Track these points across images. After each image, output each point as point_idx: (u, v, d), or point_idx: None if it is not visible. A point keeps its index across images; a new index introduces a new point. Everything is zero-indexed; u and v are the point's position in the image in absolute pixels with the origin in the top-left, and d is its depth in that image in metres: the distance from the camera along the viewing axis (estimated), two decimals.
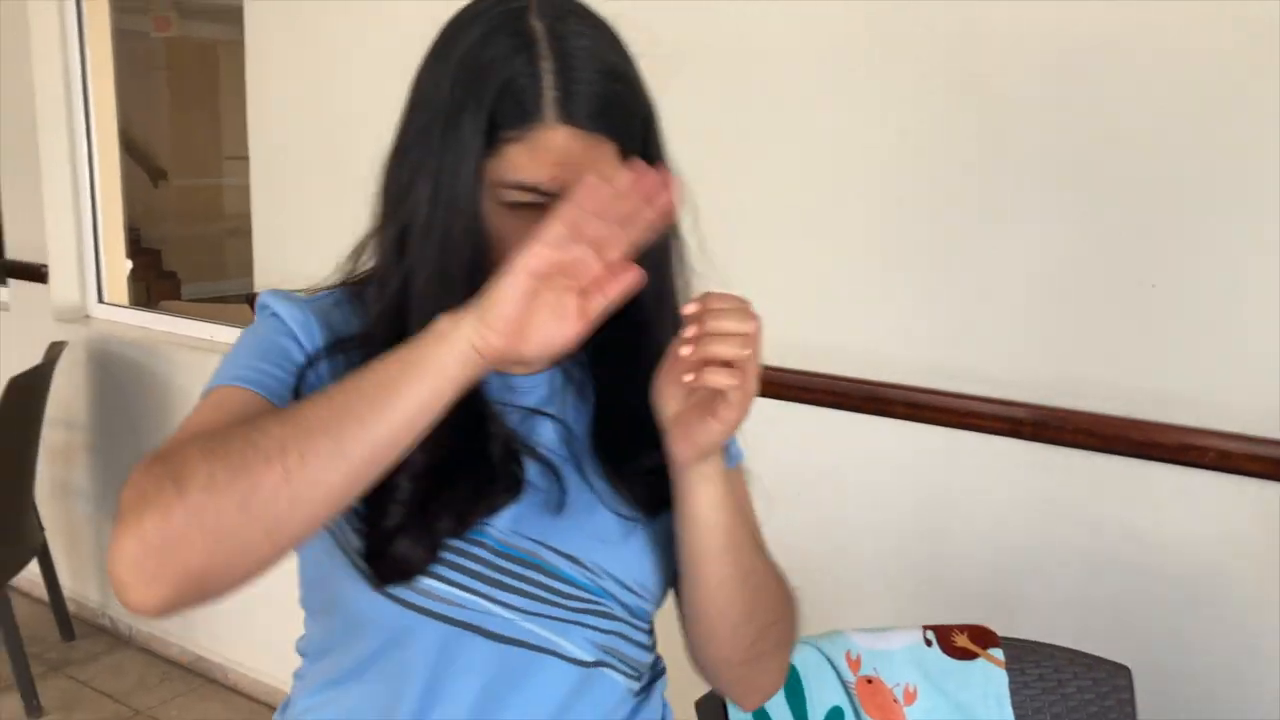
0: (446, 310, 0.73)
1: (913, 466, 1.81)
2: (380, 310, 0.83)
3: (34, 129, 3.23)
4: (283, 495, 0.67)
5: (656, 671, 0.98)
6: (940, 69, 1.69)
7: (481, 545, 0.83)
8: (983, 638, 1.38)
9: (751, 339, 0.75)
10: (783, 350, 1.89)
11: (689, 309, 0.75)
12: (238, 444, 0.68)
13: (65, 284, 3.33)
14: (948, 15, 1.67)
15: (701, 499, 0.82)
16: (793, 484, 1.94)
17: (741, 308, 0.75)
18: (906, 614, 1.78)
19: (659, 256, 0.84)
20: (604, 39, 0.79)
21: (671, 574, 0.90)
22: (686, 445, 0.80)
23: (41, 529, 3.15)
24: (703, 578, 0.86)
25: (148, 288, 5.88)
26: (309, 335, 0.85)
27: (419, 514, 0.80)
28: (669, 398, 0.80)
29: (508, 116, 0.75)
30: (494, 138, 0.76)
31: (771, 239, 1.89)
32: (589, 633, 0.86)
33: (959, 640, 1.39)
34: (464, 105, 0.77)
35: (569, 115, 0.75)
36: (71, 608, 3.34)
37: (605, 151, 0.76)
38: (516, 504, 0.84)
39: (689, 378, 0.75)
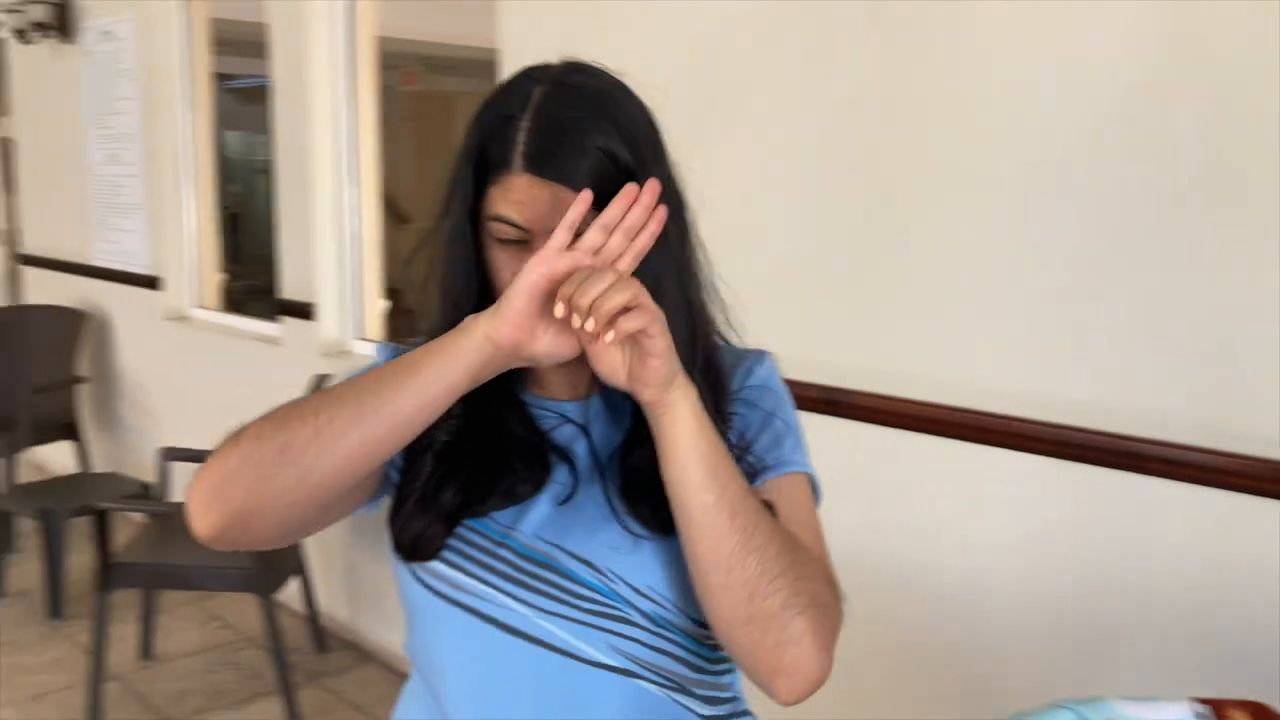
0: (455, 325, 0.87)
1: (1191, 530, 1.74)
2: (427, 329, 0.98)
3: (307, 181, 3.54)
4: (312, 447, 0.83)
5: (737, 710, 1.03)
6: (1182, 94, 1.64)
7: (507, 547, 0.94)
8: (1262, 715, 1.31)
9: (620, 281, 0.81)
10: (1052, 405, 1.85)
11: (558, 311, 0.83)
12: (287, 410, 0.87)
13: (330, 321, 3.62)
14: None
15: (680, 429, 0.87)
16: (1071, 548, 1.89)
17: (587, 268, 0.83)
18: (1171, 684, 1.70)
19: (679, 287, 0.94)
20: (590, 109, 0.90)
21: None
22: (646, 389, 0.86)
23: (299, 549, 3.42)
24: (690, 512, 0.87)
25: (390, 324, 6.28)
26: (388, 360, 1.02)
27: (430, 486, 0.93)
28: (613, 372, 0.87)
29: (491, 164, 0.90)
30: (483, 181, 0.91)
31: (1033, 292, 1.87)
32: (607, 636, 0.92)
33: (1235, 716, 1.32)
34: (467, 154, 0.93)
35: (530, 165, 0.88)
36: (324, 623, 3.59)
37: (569, 199, 0.86)
38: (542, 510, 0.94)
39: (610, 337, 0.82)
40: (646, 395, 0.86)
